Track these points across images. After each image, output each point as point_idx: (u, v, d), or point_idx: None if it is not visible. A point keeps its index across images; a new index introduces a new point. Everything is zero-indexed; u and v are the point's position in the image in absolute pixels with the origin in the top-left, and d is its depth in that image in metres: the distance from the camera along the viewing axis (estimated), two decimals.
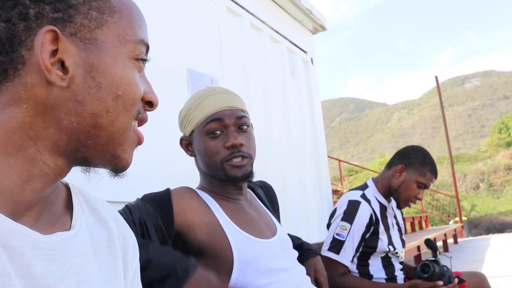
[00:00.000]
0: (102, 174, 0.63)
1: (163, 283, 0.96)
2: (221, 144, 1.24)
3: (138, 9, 0.62)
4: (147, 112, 0.63)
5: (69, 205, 0.63)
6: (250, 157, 1.28)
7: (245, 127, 1.28)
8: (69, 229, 0.59)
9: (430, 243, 2.18)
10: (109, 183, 1.83)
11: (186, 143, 1.34)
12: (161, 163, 2.06)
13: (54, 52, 0.53)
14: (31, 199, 0.54)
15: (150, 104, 0.63)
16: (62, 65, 0.54)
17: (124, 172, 0.62)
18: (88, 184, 1.74)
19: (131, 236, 0.70)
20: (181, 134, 1.40)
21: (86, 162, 0.59)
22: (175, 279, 0.97)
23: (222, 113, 1.25)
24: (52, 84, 0.53)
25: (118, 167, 0.60)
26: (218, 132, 1.25)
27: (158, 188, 1.30)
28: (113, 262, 0.64)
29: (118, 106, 0.57)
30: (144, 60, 0.62)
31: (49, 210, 0.58)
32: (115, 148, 0.59)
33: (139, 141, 0.63)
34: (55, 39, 0.53)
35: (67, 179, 0.67)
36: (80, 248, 0.58)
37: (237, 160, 1.24)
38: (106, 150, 0.58)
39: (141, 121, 0.63)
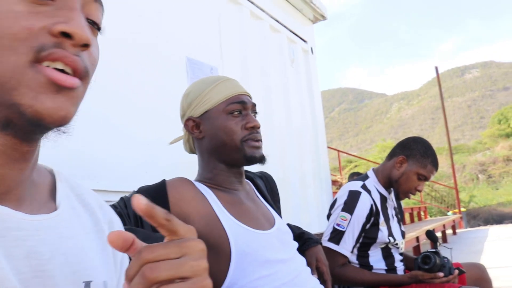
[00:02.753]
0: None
1: None
2: (241, 125, 1.27)
3: None
4: (79, 49, 0.53)
5: (54, 191, 0.62)
6: (261, 140, 1.33)
7: (256, 113, 1.35)
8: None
9: (431, 235, 2.17)
10: (108, 173, 1.81)
11: (193, 125, 1.32)
12: (160, 152, 2.04)
13: None
14: None
15: (69, 37, 0.51)
16: None
17: (52, 127, 0.52)
18: (87, 174, 1.71)
19: (117, 221, 0.69)
20: (179, 123, 1.38)
21: (11, 123, 0.50)
22: None
23: (243, 96, 1.30)
24: None
25: (28, 118, 0.49)
26: (238, 113, 1.29)
27: (157, 177, 1.28)
28: (103, 246, 0.63)
29: None
30: None
31: (32, 194, 0.57)
32: (10, 95, 0.48)
33: (57, 82, 0.50)
34: None
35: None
36: (67, 229, 0.57)
37: (256, 142, 1.29)
38: (3, 101, 0.49)
39: (54, 59, 0.50)
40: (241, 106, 1.28)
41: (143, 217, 0.45)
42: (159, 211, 0.45)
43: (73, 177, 0.67)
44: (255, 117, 1.33)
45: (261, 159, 1.31)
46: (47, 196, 0.60)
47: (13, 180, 0.53)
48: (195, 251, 0.45)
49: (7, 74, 0.48)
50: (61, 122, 0.51)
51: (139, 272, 0.43)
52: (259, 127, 1.30)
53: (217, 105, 1.28)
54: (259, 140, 1.31)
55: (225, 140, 1.27)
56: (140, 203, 0.44)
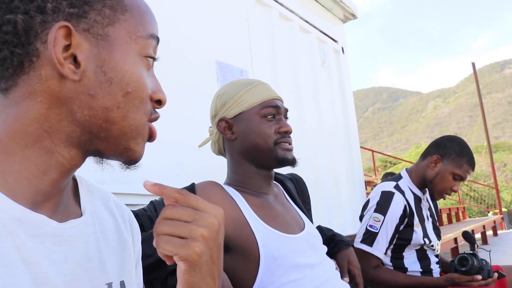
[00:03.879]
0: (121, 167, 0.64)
1: (173, 275, 0.95)
2: (274, 128, 1.29)
3: (148, 7, 0.64)
4: (157, 110, 0.65)
5: (76, 195, 0.66)
6: (292, 146, 1.35)
7: (287, 118, 1.36)
8: (80, 217, 0.62)
9: (468, 236, 2.11)
10: (140, 177, 1.84)
11: (225, 126, 1.33)
12: (191, 155, 2.07)
13: (67, 47, 0.55)
14: (49, 189, 0.57)
15: (159, 103, 0.64)
16: (75, 60, 0.56)
17: (136, 164, 0.63)
18: (119, 178, 1.76)
19: (134, 220, 0.75)
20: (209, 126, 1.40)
21: (99, 153, 0.60)
22: None
23: (277, 101, 1.32)
24: (65, 78, 0.55)
25: (130, 159, 0.61)
26: (271, 116, 1.30)
27: (188, 180, 1.30)
28: (123, 247, 0.67)
29: (129, 103, 0.58)
30: (153, 59, 0.63)
31: (64, 201, 0.61)
32: (128, 142, 0.60)
33: (152, 137, 0.64)
34: (68, 34, 0.55)
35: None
36: (91, 234, 0.62)
37: (288, 145, 1.31)
38: (118, 143, 0.59)
39: (153, 121, 0.64)
40: (275, 110, 1.30)
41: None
42: (169, 188, 0.56)
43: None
44: (287, 122, 1.35)
45: (293, 162, 1.32)
46: (73, 201, 0.64)
47: (56, 190, 0.58)
48: (204, 221, 0.54)
49: (132, 127, 0.59)
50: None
51: None
52: (291, 132, 1.32)
53: (252, 107, 1.29)
54: (291, 144, 1.33)
55: (258, 142, 1.28)
56: (147, 185, 0.55)
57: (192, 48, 2.30)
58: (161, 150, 1.94)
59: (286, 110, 1.35)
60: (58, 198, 0.59)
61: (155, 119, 0.64)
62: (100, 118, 0.57)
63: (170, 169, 1.96)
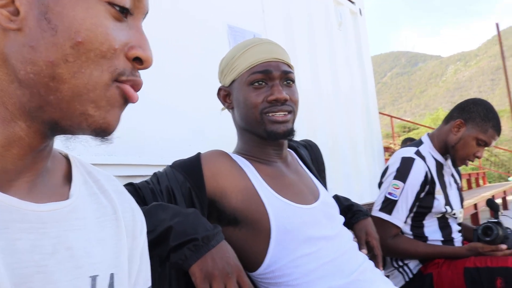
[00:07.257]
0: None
1: (180, 249, 0.90)
2: (264, 97, 1.15)
3: None
4: (139, 71, 0.54)
5: (69, 177, 0.59)
6: (293, 113, 1.19)
7: (290, 82, 1.19)
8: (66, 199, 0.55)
9: (492, 204, 2.03)
10: (149, 147, 1.79)
11: (224, 94, 1.24)
12: (204, 124, 2.01)
13: None
14: (13, 167, 0.50)
15: (139, 62, 0.53)
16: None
17: (108, 136, 0.53)
18: (128, 149, 1.70)
19: (138, 210, 0.67)
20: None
21: (56, 125, 0.51)
22: (194, 247, 0.89)
23: (268, 64, 1.16)
24: (7, 30, 0.47)
25: (94, 128, 0.51)
26: (262, 83, 1.16)
27: (201, 150, 1.24)
28: (119, 236, 0.60)
29: (80, 56, 0.48)
30: (125, 9, 0.52)
31: (45, 181, 0.54)
32: (84, 105, 0.49)
33: (128, 100, 0.53)
34: None
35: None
36: (76, 221, 0.54)
37: (279, 115, 1.15)
38: (73, 108, 0.49)
39: (134, 85, 0.53)
40: (265, 75, 1.15)
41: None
42: None
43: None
44: (291, 86, 1.19)
45: (286, 135, 1.17)
46: (61, 183, 0.57)
47: (21, 168, 0.51)
48: None
49: (88, 87, 0.49)
50: (112, 133, 0.53)
51: None
52: (284, 100, 1.14)
53: (241, 74, 1.18)
54: (285, 113, 1.16)
55: (247, 113, 1.17)
56: None
57: (202, 12, 2.20)
58: (171, 118, 1.89)
59: (285, 73, 1.17)
60: (31, 178, 0.52)
61: (133, 82, 0.53)
62: (46, 75, 0.48)
63: (182, 138, 1.91)
